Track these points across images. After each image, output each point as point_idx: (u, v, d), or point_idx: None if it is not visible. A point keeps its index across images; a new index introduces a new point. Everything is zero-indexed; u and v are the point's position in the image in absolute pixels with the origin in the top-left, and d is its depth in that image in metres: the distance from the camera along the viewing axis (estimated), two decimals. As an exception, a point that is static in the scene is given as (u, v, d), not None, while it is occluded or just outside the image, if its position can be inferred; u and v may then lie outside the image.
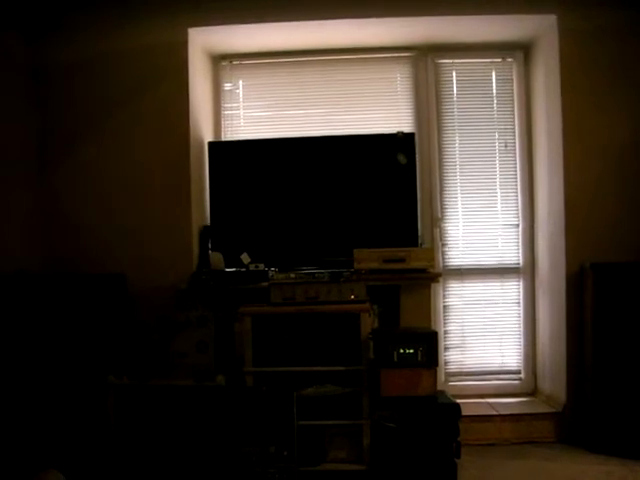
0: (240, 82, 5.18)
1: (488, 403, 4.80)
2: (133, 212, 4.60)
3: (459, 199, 5.09)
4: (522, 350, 5.06)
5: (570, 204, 4.47)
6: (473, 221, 5.08)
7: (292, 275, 4.30)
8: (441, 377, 4.87)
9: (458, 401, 3.78)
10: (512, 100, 5.11)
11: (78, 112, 4.65)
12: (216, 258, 4.59)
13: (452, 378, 5.04)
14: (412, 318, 4.28)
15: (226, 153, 4.87)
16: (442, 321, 5.04)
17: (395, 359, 3.72)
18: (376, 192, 4.74)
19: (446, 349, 5.04)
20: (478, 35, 4.91)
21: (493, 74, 5.12)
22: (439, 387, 3.94)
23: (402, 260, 4.28)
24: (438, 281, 4.51)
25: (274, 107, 5.16)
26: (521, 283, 5.07)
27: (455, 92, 5.12)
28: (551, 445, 4.39)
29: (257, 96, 5.18)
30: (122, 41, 4.62)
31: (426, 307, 4.36)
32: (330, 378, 3.93)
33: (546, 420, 4.51)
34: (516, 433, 4.47)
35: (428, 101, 5.08)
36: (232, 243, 4.73)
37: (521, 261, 5.07)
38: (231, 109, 5.18)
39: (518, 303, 5.08)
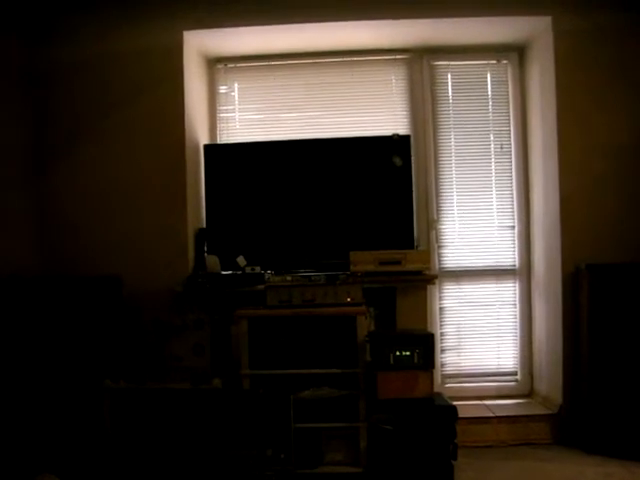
0: (235, 85, 5.18)
1: (485, 405, 4.80)
2: (129, 214, 4.60)
3: (455, 201, 5.10)
4: (518, 351, 5.06)
5: (565, 205, 4.48)
6: (469, 223, 5.09)
7: (288, 278, 4.28)
8: (438, 379, 4.86)
9: (455, 403, 3.78)
10: (507, 102, 5.12)
11: (74, 115, 4.65)
12: (212, 261, 4.59)
13: (449, 380, 5.04)
14: (408, 320, 4.27)
15: (222, 156, 4.86)
16: (438, 323, 5.04)
17: (392, 361, 3.72)
18: (372, 194, 4.74)
19: (442, 351, 5.04)
20: (473, 37, 4.92)
21: (488, 76, 5.13)
22: (436, 389, 3.94)
23: (398, 262, 4.27)
24: (434, 283, 4.52)
25: (269, 110, 5.16)
26: (517, 284, 5.07)
27: (450, 94, 5.13)
28: (548, 446, 4.39)
29: (252, 99, 5.18)
30: (118, 44, 4.62)
31: (422, 309, 4.36)
32: (327, 381, 3.93)
33: (543, 421, 4.51)
34: (513, 435, 4.46)
35: (423, 103, 5.09)
36: (228, 246, 4.73)
37: (517, 262, 5.07)
38: (226, 112, 5.18)
39: (514, 304, 5.08)
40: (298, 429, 3.82)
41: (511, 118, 5.10)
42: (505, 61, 5.13)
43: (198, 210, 4.84)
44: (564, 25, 4.49)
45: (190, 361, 3.97)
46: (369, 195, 4.74)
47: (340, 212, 4.75)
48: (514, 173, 5.08)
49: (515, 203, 5.08)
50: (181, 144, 4.59)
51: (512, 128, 5.10)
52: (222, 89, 5.18)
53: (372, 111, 5.12)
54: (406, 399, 3.70)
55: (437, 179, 5.08)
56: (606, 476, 3.78)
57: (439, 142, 5.09)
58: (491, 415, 4.57)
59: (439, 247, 5.06)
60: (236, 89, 5.18)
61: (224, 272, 4.59)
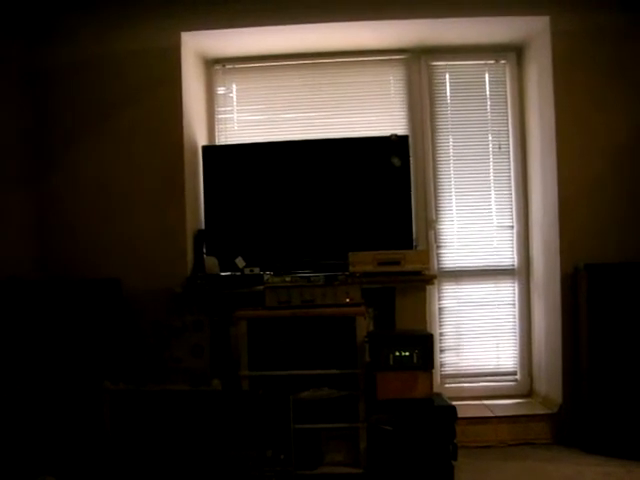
0: (234, 86, 5.18)
1: (484, 405, 4.81)
2: (127, 216, 4.60)
3: (453, 201, 5.10)
4: (518, 351, 5.06)
5: (564, 205, 4.48)
6: (468, 223, 5.09)
7: (287, 279, 4.28)
8: (437, 379, 4.87)
9: (454, 403, 3.78)
10: (505, 102, 5.12)
11: (73, 115, 4.65)
12: (211, 262, 4.59)
13: (448, 380, 5.04)
14: (407, 320, 4.28)
15: (220, 157, 4.86)
16: (437, 323, 5.04)
17: (391, 362, 3.72)
18: (370, 195, 4.74)
19: (442, 351, 5.04)
20: (471, 37, 4.92)
21: (486, 76, 5.13)
22: (435, 389, 3.94)
23: (397, 263, 4.28)
24: (433, 283, 4.52)
25: (268, 111, 5.16)
26: (516, 284, 5.08)
27: (448, 94, 5.13)
28: (548, 446, 4.39)
29: (251, 100, 5.18)
30: (116, 44, 4.63)
31: (421, 309, 4.36)
32: (326, 381, 3.93)
33: (542, 421, 4.51)
34: (512, 435, 4.47)
35: (422, 103, 5.09)
36: (227, 247, 4.73)
37: (516, 262, 5.07)
38: (225, 113, 5.18)
39: (513, 304, 5.08)
40: (298, 430, 3.81)
41: (509, 118, 5.11)
42: (503, 61, 5.13)
43: (197, 211, 4.84)
44: (562, 25, 4.50)
45: (189, 362, 3.97)
46: (368, 196, 4.74)
47: (339, 213, 4.75)
48: (512, 173, 5.08)
49: (514, 203, 5.08)
50: (179, 145, 4.59)
51: (510, 128, 5.10)
52: (220, 90, 5.18)
53: (370, 111, 5.12)
54: (406, 399, 3.70)
55: (436, 179, 5.08)
56: (605, 475, 3.78)
57: (437, 142, 5.10)
58: (491, 415, 4.57)
59: (438, 247, 5.06)
60: (234, 90, 5.18)
61: (223, 273, 4.59)
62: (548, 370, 4.75)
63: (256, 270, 4.44)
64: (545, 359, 4.80)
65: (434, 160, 5.09)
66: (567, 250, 4.45)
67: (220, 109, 5.19)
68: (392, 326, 4.31)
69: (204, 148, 4.90)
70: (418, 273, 4.31)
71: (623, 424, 4.09)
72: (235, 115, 5.18)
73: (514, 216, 5.08)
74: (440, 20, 4.59)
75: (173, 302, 4.40)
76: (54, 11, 4.62)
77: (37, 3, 4.57)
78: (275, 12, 4.52)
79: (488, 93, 5.13)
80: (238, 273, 4.51)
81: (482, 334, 5.07)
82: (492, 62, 5.14)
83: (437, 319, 5.04)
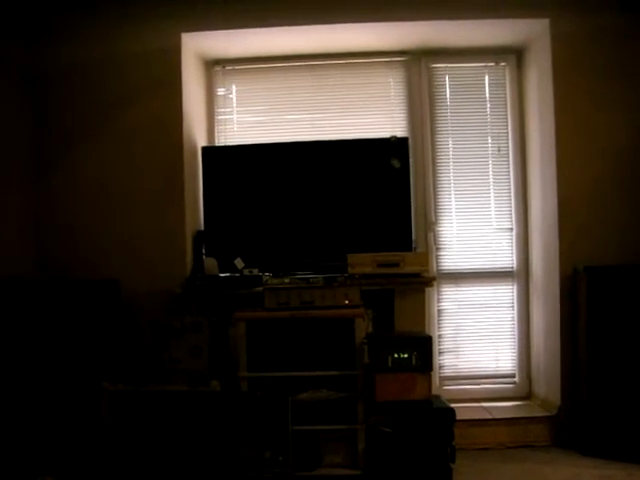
0: (233, 87, 5.18)
1: (483, 407, 4.80)
2: (127, 217, 4.60)
3: (453, 203, 5.10)
4: (516, 354, 5.06)
5: (563, 207, 4.48)
6: (467, 225, 5.09)
7: (286, 280, 4.29)
8: (436, 381, 4.87)
9: (453, 405, 3.79)
10: (505, 104, 5.12)
11: (73, 116, 4.65)
12: (210, 263, 4.59)
13: (447, 382, 5.04)
14: (406, 322, 4.28)
15: (220, 158, 4.86)
16: (436, 325, 5.03)
17: (390, 364, 3.73)
18: (370, 196, 4.74)
19: (440, 353, 5.04)
20: (471, 39, 4.92)
21: (486, 78, 5.13)
22: (434, 391, 3.94)
23: (396, 264, 4.28)
24: (432, 285, 4.52)
25: (267, 112, 5.16)
26: (515, 286, 5.07)
27: (448, 96, 5.13)
28: (546, 449, 4.40)
29: (250, 101, 5.18)
30: (117, 45, 4.62)
31: (420, 311, 4.36)
32: (325, 383, 3.94)
33: (541, 424, 4.51)
34: (511, 437, 4.47)
35: (421, 105, 5.09)
36: (226, 248, 4.72)
37: (515, 265, 5.07)
38: (224, 114, 5.18)
39: (512, 307, 5.08)
40: (296, 431, 3.81)
41: (509, 120, 5.11)
42: (503, 63, 5.13)
43: (196, 212, 4.84)
44: (562, 27, 4.50)
45: (188, 363, 3.97)
46: (367, 197, 4.74)
47: (338, 214, 4.75)
48: (512, 175, 5.08)
49: (513, 205, 5.08)
50: (179, 146, 4.59)
51: (510, 130, 5.10)
52: (220, 91, 5.18)
53: (370, 113, 5.12)
54: (404, 401, 3.71)
55: (435, 181, 5.08)
56: (603, 478, 3.78)
57: (437, 144, 5.10)
58: (489, 417, 4.57)
59: (437, 249, 5.06)
60: (234, 91, 5.18)
61: (222, 274, 4.59)
62: (547, 372, 4.75)
63: (255, 271, 4.44)
64: (544, 361, 4.80)
65: (434, 162, 5.09)
66: (566, 252, 4.46)
67: (220, 110, 5.18)
68: (391, 328, 4.31)
69: (204, 149, 4.90)
70: (417, 275, 4.31)
71: (622, 427, 4.09)
72: (235, 116, 5.18)
73: (513, 218, 5.08)
74: (440, 22, 4.60)
75: (172, 303, 4.40)
76: (54, 11, 4.62)
77: (37, 3, 4.57)
78: (275, 13, 4.52)
79: (488, 95, 5.13)
80: (237, 274, 4.50)
81: (481, 336, 5.07)
82: (492, 64, 5.14)
83: (436, 321, 5.04)
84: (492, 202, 5.09)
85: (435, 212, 5.07)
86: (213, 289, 4.38)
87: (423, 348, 3.74)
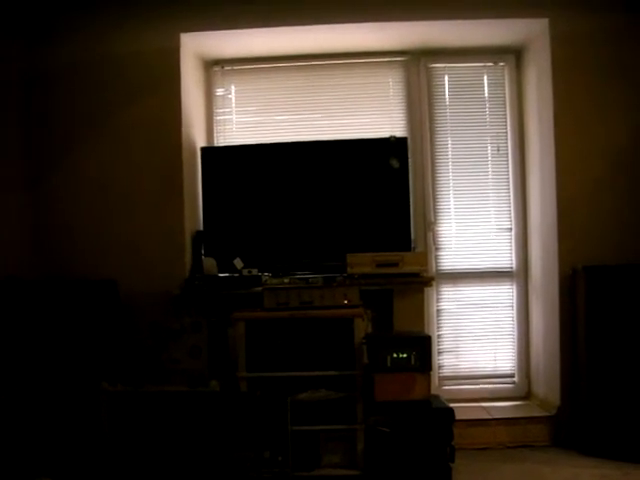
0: (232, 87, 5.18)
1: (482, 407, 4.80)
2: (125, 217, 4.60)
3: (452, 203, 5.10)
4: (516, 354, 5.06)
5: (563, 207, 4.48)
6: (466, 225, 5.09)
7: (286, 280, 4.29)
8: (435, 381, 4.86)
9: (452, 405, 3.78)
10: (504, 104, 5.12)
11: (71, 116, 4.65)
12: (209, 263, 4.58)
13: (446, 382, 5.04)
14: (406, 322, 4.28)
15: (219, 158, 4.86)
16: (435, 325, 5.03)
17: (389, 364, 3.73)
18: (369, 196, 4.74)
19: (440, 353, 5.04)
20: (470, 39, 4.92)
21: (485, 78, 5.13)
22: (433, 391, 3.94)
23: (395, 264, 4.28)
24: (431, 285, 4.52)
25: (266, 112, 5.16)
26: (514, 286, 5.08)
27: (447, 96, 5.13)
28: (545, 449, 4.39)
29: (249, 101, 5.18)
30: (116, 45, 4.63)
31: (419, 311, 4.36)
32: (324, 383, 3.93)
33: (540, 423, 4.51)
34: (510, 437, 4.47)
35: (420, 105, 5.09)
36: (225, 248, 4.72)
37: (514, 264, 5.07)
38: (223, 114, 5.18)
39: (511, 306, 5.08)
40: (295, 431, 3.81)
41: (508, 120, 5.11)
42: (502, 63, 5.13)
43: (195, 212, 4.84)
44: (561, 27, 4.50)
45: (187, 364, 3.97)
46: (366, 197, 4.74)
47: (337, 214, 4.75)
48: (511, 175, 5.08)
49: (512, 205, 5.08)
50: (178, 146, 4.59)
51: (509, 130, 5.10)
52: (219, 91, 5.18)
53: (369, 113, 5.12)
54: (403, 401, 3.71)
55: (434, 181, 5.08)
56: (602, 478, 3.78)
57: (436, 144, 5.10)
58: (488, 417, 4.57)
59: (436, 249, 5.06)
60: (233, 91, 5.18)
61: (221, 274, 4.59)
62: (546, 372, 4.75)
63: (254, 271, 4.44)
64: (543, 361, 4.80)
65: (433, 162, 5.09)
66: (565, 252, 4.45)
67: (219, 110, 5.18)
68: (390, 328, 4.31)
69: (203, 149, 4.90)
70: (416, 275, 4.31)
71: (621, 426, 4.08)
72: (234, 116, 5.18)
73: (513, 218, 5.08)
74: (439, 22, 4.60)
75: (171, 303, 4.40)
76: (54, 12, 4.62)
77: (37, 3, 4.57)
78: (274, 14, 4.53)
79: (487, 95, 5.13)
80: (236, 274, 4.50)
81: (480, 336, 5.07)
82: (491, 64, 5.14)
83: (435, 321, 5.04)
84: (491, 202, 5.09)
85: (434, 212, 5.07)
86: (212, 289, 4.38)
87: (422, 348, 3.74)
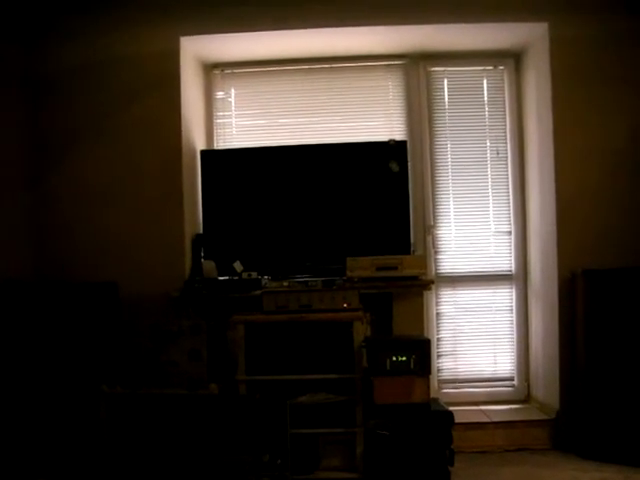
0: (232, 90, 5.18)
1: (481, 410, 4.80)
2: (125, 220, 4.60)
3: (451, 206, 5.10)
4: (515, 357, 5.06)
5: (562, 211, 4.49)
6: (465, 228, 5.09)
7: (285, 283, 4.30)
8: (434, 384, 4.86)
9: (451, 408, 3.80)
10: (504, 107, 5.13)
11: (71, 119, 4.65)
12: (209, 266, 4.58)
13: (445, 385, 5.04)
14: (405, 326, 4.28)
15: (218, 161, 4.87)
16: (435, 328, 5.03)
17: (388, 367, 3.73)
18: (368, 200, 4.74)
19: (439, 356, 5.04)
20: (470, 43, 4.92)
21: (484, 82, 5.14)
22: (432, 394, 3.93)
23: (394, 268, 4.28)
24: (430, 288, 4.51)
25: (266, 115, 5.16)
26: (513, 290, 5.08)
27: (447, 100, 5.14)
28: (545, 452, 4.39)
29: (249, 104, 5.18)
30: (115, 48, 4.63)
31: (419, 314, 4.37)
32: (323, 386, 3.94)
33: (539, 427, 4.51)
34: (509, 440, 4.46)
35: (420, 109, 5.10)
36: (225, 251, 4.72)
37: (513, 268, 5.08)
38: (223, 117, 5.18)
39: (511, 310, 5.08)
40: (295, 434, 3.81)
41: (507, 124, 5.11)
42: (501, 67, 5.14)
43: (195, 215, 4.84)
44: (560, 31, 4.51)
45: (186, 366, 3.96)
46: (366, 201, 4.74)
47: (337, 218, 4.75)
48: (510, 179, 5.09)
49: (511, 208, 5.08)
50: (178, 149, 4.59)
51: (508, 134, 5.11)
52: (219, 95, 5.19)
53: (369, 117, 5.13)
54: (403, 404, 3.71)
55: (433, 184, 5.09)
56: (601, 481, 3.80)
57: (435, 148, 5.10)
58: (487, 421, 4.56)
59: (435, 252, 5.06)
60: (233, 95, 5.19)
61: (221, 277, 4.58)
62: (545, 376, 4.75)
63: (254, 274, 4.43)
64: (542, 365, 4.80)
65: (432, 165, 5.09)
66: (565, 256, 4.46)
67: (219, 114, 5.19)
68: (389, 331, 4.31)
69: (202, 152, 4.90)
70: (415, 278, 4.31)
71: (620, 430, 4.08)
72: (234, 120, 5.19)
73: (512, 222, 5.08)
74: (439, 26, 4.60)
75: (170, 306, 4.40)
76: (53, 14, 4.63)
77: (36, 6, 4.58)
78: (274, 17, 4.53)
79: (486, 99, 5.14)
80: (236, 277, 4.50)
81: (479, 340, 5.07)
82: (490, 68, 5.15)
83: (434, 324, 5.04)
84: (490, 205, 5.10)
85: (433, 215, 5.07)
86: (212, 292, 4.38)
87: (421, 351, 3.74)
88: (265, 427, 3.80)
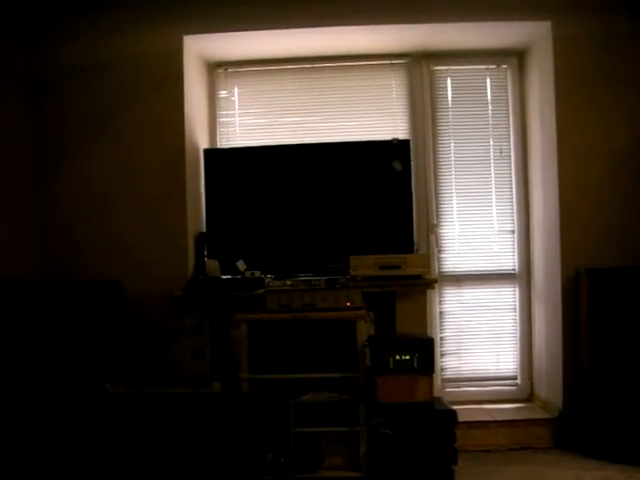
0: (235, 89, 5.19)
1: (485, 409, 4.80)
2: (129, 219, 4.60)
3: (454, 205, 5.10)
4: (518, 356, 5.06)
5: (565, 209, 4.48)
6: (469, 227, 5.09)
7: (288, 282, 4.30)
8: (437, 383, 4.85)
9: (454, 407, 3.79)
10: (507, 106, 5.13)
11: (74, 118, 4.65)
12: (212, 265, 4.58)
13: (448, 384, 5.04)
14: (408, 324, 4.28)
15: (222, 160, 4.87)
16: (438, 327, 5.03)
17: (391, 366, 3.72)
18: (372, 199, 4.74)
19: (442, 355, 5.04)
20: (473, 42, 4.92)
21: (488, 80, 5.14)
22: (435, 393, 3.93)
23: (398, 267, 4.28)
24: (434, 287, 4.51)
25: (269, 114, 5.17)
26: (517, 289, 5.07)
27: (450, 98, 5.14)
28: (547, 451, 4.39)
29: (252, 103, 5.19)
30: (118, 47, 4.63)
31: (422, 313, 4.36)
32: (327, 385, 3.94)
33: (542, 426, 4.51)
34: (512, 439, 4.46)
35: (423, 108, 5.09)
36: (228, 250, 4.72)
37: (517, 267, 5.07)
38: (226, 116, 5.19)
39: (514, 309, 5.08)
40: (298, 433, 3.82)
41: (511, 122, 5.11)
42: (505, 66, 5.14)
43: (198, 214, 4.84)
44: (564, 30, 4.50)
45: (190, 365, 3.96)
46: (369, 199, 4.74)
47: (340, 216, 4.75)
48: (514, 177, 5.09)
49: (515, 207, 5.08)
50: (181, 148, 4.60)
51: (512, 132, 5.10)
52: (222, 93, 5.19)
53: (372, 116, 5.12)
54: (406, 403, 3.70)
55: (437, 183, 5.09)
56: (605, 480, 3.79)
57: (439, 146, 5.10)
58: (491, 419, 4.56)
59: (439, 251, 5.06)
60: (236, 93, 5.19)
61: (224, 276, 4.58)
62: (548, 375, 4.75)
63: (257, 273, 4.43)
64: (545, 364, 4.80)
65: (435, 164, 5.09)
66: (568, 254, 4.45)
67: (222, 112, 5.20)
68: (393, 330, 4.31)
69: (206, 151, 4.90)
70: (419, 277, 4.31)
71: (623, 429, 4.08)
72: (237, 118, 5.19)
73: (515, 220, 5.08)
74: (442, 25, 4.60)
75: (173, 305, 4.40)
76: (56, 13, 4.63)
77: (37, 6, 4.58)
78: (277, 16, 4.53)
79: (489, 98, 5.14)
80: (239, 276, 4.49)
81: (483, 338, 5.07)
82: (494, 67, 5.15)
83: (438, 323, 5.04)
84: (494, 204, 5.09)
85: (437, 214, 5.08)
86: (215, 291, 4.38)
87: (425, 350, 3.74)
88: (268, 426, 3.80)
